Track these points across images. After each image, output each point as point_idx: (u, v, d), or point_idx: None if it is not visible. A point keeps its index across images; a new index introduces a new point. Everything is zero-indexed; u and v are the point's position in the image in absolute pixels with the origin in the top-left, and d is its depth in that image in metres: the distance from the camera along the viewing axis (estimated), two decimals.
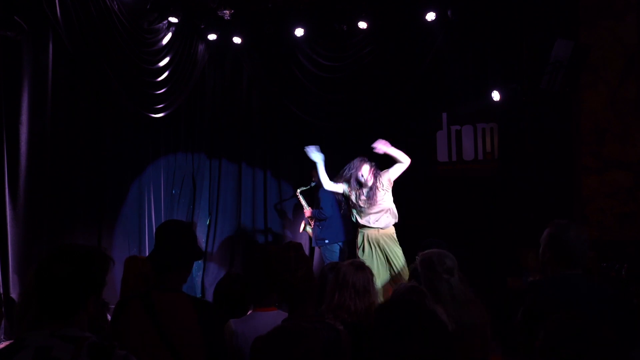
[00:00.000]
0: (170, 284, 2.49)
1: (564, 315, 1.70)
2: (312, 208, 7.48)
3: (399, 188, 7.55)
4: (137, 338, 2.35)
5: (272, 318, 2.96)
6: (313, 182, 7.42)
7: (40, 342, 1.78)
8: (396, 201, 7.28)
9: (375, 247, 5.83)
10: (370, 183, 5.87)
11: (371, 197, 5.84)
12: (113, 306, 6.55)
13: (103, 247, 6.54)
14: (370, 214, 5.91)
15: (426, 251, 3.18)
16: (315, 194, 7.37)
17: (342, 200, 6.18)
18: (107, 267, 1.95)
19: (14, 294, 5.20)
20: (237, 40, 7.52)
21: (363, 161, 5.96)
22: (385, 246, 5.81)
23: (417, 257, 3.23)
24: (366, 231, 5.93)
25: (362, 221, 5.95)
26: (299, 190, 7.57)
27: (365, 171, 5.89)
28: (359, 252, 5.90)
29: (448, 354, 1.64)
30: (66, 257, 1.86)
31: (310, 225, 7.42)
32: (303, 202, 7.55)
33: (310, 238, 7.54)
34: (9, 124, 5.31)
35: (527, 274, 5.69)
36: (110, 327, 2.46)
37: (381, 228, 5.89)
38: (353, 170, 5.95)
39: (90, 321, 2.24)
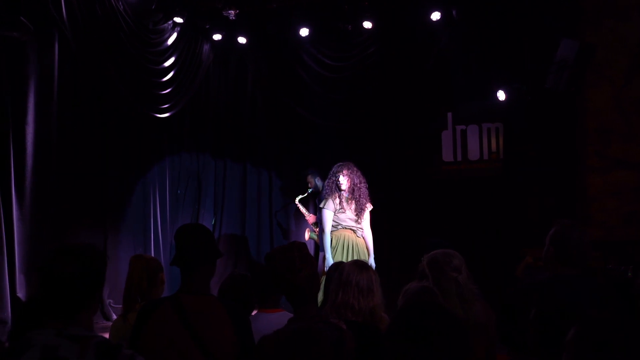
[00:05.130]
0: (197, 287, 2.52)
1: (597, 314, 1.68)
2: (313, 214, 7.45)
3: (404, 188, 7.57)
4: (167, 341, 2.36)
5: (276, 319, 2.97)
6: (310, 188, 7.39)
7: (46, 341, 1.77)
8: (400, 201, 7.29)
9: (348, 252, 5.82)
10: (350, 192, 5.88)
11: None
12: (118, 305, 6.54)
13: (96, 245, 6.56)
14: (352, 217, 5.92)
15: (431, 252, 3.18)
16: (316, 198, 7.35)
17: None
18: (105, 263, 1.95)
19: (20, 294, 5.22)
20: (242, 40, 7.52)
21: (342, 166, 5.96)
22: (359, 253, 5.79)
23: (422, 259, 3.23)
24: (341, 232, 5.92)
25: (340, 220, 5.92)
26: (297, 199, 7.50)
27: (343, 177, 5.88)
28: (332, 255, 5.86)
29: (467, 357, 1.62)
30: (69, 255, 1.85)
31: (315, 232, 7.35)
32: (303, 210, 7.51)
33: (316, 244, 7.44)
34: (16, 124, 5.33)
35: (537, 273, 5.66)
36: (134, 330, 2.47)
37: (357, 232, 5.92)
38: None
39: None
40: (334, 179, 5.92)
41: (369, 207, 5.97)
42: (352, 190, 5.88)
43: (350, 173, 5.89)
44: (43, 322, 1.85)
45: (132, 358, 1.84)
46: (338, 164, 5.99)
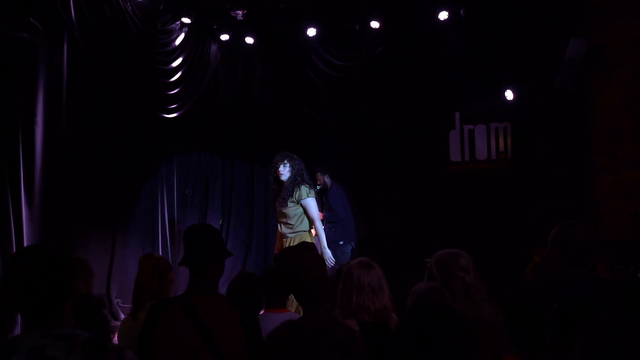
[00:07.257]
0: (206, 286, 2.53)
1: (604, 317, 1.67)
2: (321, 211, 7.43)
3: (411, 187, 7.55)
4: (177, 341, 2.37)
5: (284, 319, 2.96)
6: (318, 185, 7.38)
7: (32, 343, 1.76)
8: (408, 201, 7.22)
9: None
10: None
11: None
12: (126, 305, 6.54)
13: (105, 243, 6.61)
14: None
15: (439, 252, 3.18)
16: (324, 196, 7.34)
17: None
18: (61, 256, 1.91)
19: None
20: (249, 40, 7.54)
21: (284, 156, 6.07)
22: None
23: (426, 260, 3.23)
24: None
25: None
26: None
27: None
28: None
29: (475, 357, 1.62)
30: (26, 258, 1.84)
31: None
32: None
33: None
34: (25, 125, 5.35)
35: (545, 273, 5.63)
36: (143, 330, 2.47)
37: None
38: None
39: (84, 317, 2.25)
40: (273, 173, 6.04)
41: (305, 193, 5.96)
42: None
43: (287, 161, 6.05)
44: (28, 325, 1.84)
45: (120, 352, 1.83)
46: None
